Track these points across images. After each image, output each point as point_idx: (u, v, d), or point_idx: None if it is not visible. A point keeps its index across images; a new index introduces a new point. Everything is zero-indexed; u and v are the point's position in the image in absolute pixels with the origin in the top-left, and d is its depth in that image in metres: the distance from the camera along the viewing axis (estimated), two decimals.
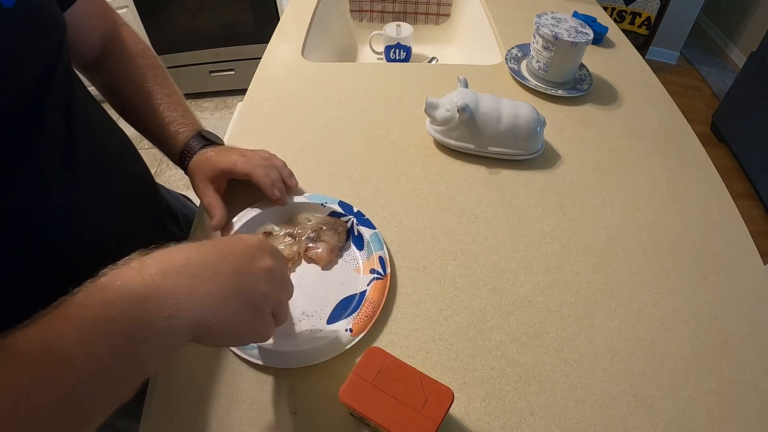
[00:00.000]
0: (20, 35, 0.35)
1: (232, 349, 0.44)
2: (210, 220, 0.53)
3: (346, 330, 0.45)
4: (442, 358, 0.45)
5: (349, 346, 0.44)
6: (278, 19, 0.99)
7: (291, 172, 0.58)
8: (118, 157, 0.52)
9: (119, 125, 0.55)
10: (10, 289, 0.39)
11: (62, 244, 0.41)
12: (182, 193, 0.76)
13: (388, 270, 0.50)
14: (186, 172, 0.57)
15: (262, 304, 0.32)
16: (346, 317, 0.47)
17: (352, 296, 0.49)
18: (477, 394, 0.43)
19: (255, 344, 0.44)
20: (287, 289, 0.36)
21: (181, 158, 0.56)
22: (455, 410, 0.42)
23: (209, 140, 0.57)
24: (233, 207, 0.55)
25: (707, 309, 0.51)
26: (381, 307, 0.47)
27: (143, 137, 0.58)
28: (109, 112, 0.54)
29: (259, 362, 0.43)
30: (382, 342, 0.46)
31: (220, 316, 0.29)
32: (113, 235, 0.47)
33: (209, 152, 0.55)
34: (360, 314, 0.47)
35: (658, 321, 0.49)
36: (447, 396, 0.35)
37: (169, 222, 0.62)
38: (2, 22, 0.34)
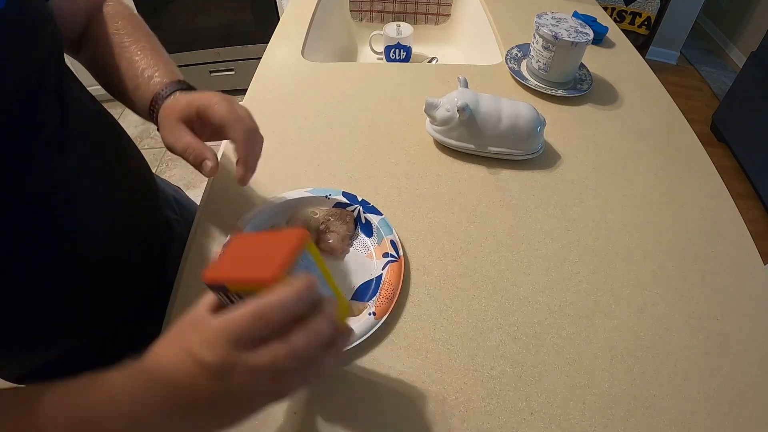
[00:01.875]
0: (13, 35, 0.36)
1: None
2: (201, 165, 0.42)
3: (370, 314, 0.46)
4: (442, 358, 0.45)
5: (374, 329, 0.45)
6: (278, 19, 0.99)
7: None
8: (114, 147, 0.51)
9: (118, 122, 0.55)
10: (12, 275, 0.39)
11: (61, 228, 0.42)
12: (177, 186, 0.76)
13: (401, 252, 0.51)
14: (156, 124, 0.48)
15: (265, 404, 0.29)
16: (366, 302, 0.49)
17: (369, 281, 0.51)
18: (477, 394, 0.43)
19: None
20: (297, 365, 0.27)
21: (152, 106, 0.46)
22: (455, 410, 0.42)
23: (189, 87, 0.49)
24: (240, 206, 0.55)
25: (707, 309, 0.51)
26: (399, 288, 0.49)
27: (142, 137, 0.58)
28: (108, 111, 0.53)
29: None
30: (382, 342, 0.46)
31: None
32: (109, 219, 0.47)
33: (183, 94, 0.46)
34: (380, 297, 0.48)
35: (658, 321, 0.49)
36: (298, 234, 0.32)
37: (163, 207, 0.62)
38: None
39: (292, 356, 0.26)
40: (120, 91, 0.50)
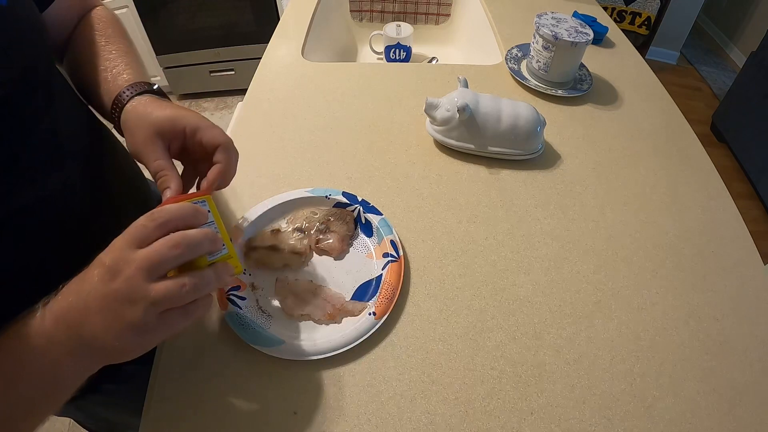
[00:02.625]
0: (11, 33, 0.36)
1: (260, 347, 0.44)
2: (162, 192, 0.39)
3: (370, 314, 0.46)
4: (442, 358, 0.45)
5: (374, 329, 0.45)
6: (278, 19, 0.99)
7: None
8: (106, 157, 0.51)
9: (111, 131, 0.55)
10: (6, 277, 0.39)
11: (52, 240, 0.41)
12: None
13: (401, 252, 0.51)
14: (119, 129, 0.44)
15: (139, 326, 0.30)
16: (366, 302, 0.49)
17: (369, 282, 0.51)
18: (477, 394, 0.43)
19: (282, 340, 0.44)
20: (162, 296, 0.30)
21: (116, 102, 0.43)
22: (455, 410, 0.42)
23: (155, 91, 0.45)
24: (238, 209, 0.55)
25: (707, 309, 0.51)
26: (399, 288, 0.49)
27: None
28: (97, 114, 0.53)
29: (289, 357, 0.44)
30: (382, 342, 0.46)
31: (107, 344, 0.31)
32: (103, 223, 0.47)
33: (149, 99, 0.43)
34: (380, 297, 0.48)
35: (658, 321, 0.49)
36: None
37: None
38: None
39: (171, 245, 0.31)
40: (87, 89, 0.48)
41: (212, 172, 0.41)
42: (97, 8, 0.53)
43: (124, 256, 0.30)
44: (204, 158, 0.42)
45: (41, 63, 0.41)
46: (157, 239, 0.31)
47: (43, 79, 0.41)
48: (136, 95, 0.43)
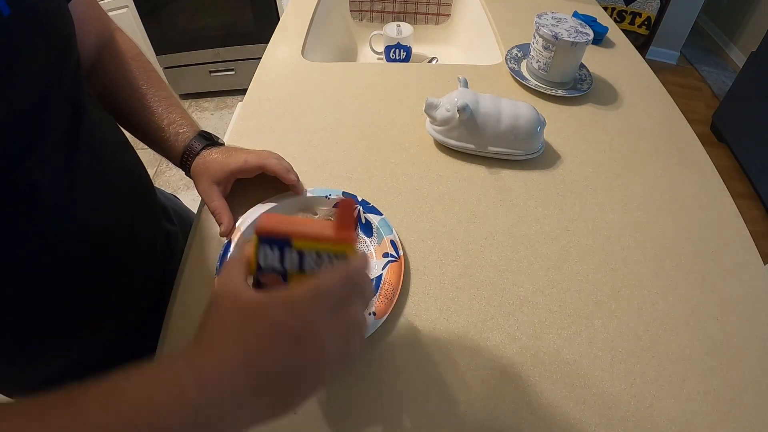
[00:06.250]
0: (26, 37, 0.36)
1: None
2: (218, 225, 0.53)
3: (370, 314, 0.46)
4: (443, 358, 0.45)
5: (374, 330, 0.45)
6: (278, 19, 0.99)
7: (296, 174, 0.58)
8: (116, 151, 0.52)
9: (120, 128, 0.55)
10: (11, 269, 0.39)
11: (63, 226, 0.42)
12: (173, 193, 0.77)
13: (401, 252, 0.51)
14: (187, 173, 0.56)
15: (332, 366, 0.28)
16: None
17: None
18: (477, 394, 0.43)
19: None
20: (358, 329, 0.30)
21: (183, 159, 0.56)
22: (455, 410, 0.42)
23: (211, 140, 0.57)
24: (238, 207, 0.55)
25: (707, 309, 0.51)
26: (399, 288, 0.48)
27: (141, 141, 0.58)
28: None
29: None
30: (382, 342, 0.46)
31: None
32: (110, 222, 0.47)
33: (214, 153, 0.55)
34: (380, 297, 0.48)
35: (658, 321, 0.49)
36: (349, 202, 0.32)
37: (161, 217, 0.62)
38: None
39: (362, 308, 0.30)
40: (139, 133, 0.57)
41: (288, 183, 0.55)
42: (120, 38, 0.57)
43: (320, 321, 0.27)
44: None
45: (69, 61, 0.41)
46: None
47: (71, 77, 0.42)
48: (201, 149, 0.55)
